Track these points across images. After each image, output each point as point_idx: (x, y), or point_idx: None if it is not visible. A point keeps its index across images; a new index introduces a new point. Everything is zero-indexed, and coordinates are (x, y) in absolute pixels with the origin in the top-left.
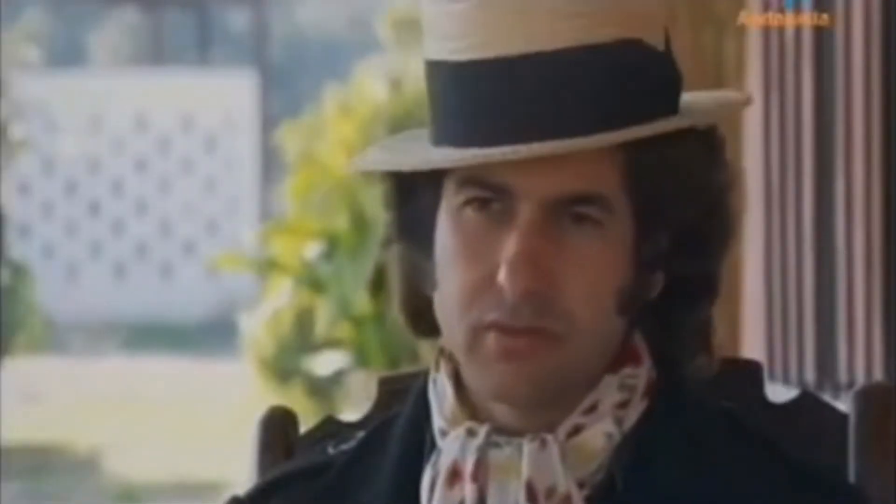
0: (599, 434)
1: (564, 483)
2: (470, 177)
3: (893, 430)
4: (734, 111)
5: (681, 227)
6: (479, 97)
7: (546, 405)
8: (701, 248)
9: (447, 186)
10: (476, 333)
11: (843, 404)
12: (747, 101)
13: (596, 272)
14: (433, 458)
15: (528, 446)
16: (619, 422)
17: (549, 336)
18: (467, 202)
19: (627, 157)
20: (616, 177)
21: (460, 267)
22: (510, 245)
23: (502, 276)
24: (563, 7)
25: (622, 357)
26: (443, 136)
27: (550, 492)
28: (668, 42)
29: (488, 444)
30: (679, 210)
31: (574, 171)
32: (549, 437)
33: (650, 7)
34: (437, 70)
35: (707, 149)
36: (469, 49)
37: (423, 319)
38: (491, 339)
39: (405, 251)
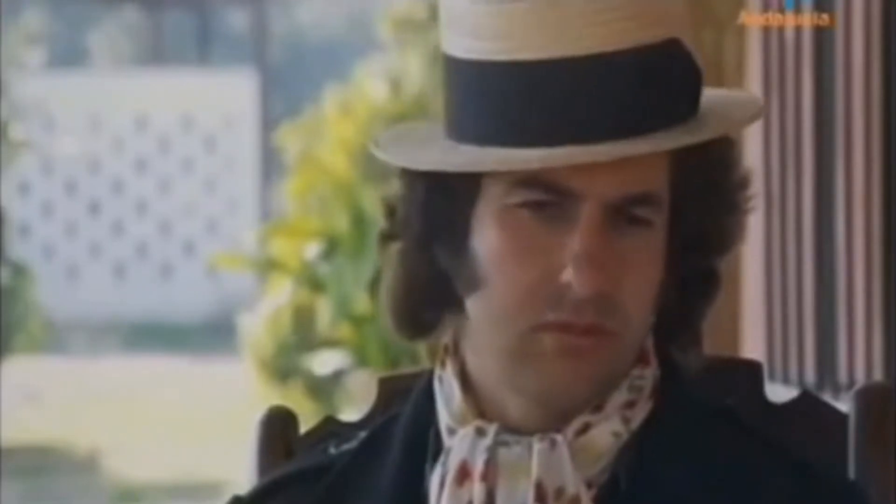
0: (607, 433)
1: (574, 484)
2: (527, 178)
3: (893, 430)
4: (759, 116)
5: (705, 225)
6: (539, 98)
7: (559, 403)
8: (715, 245)
9: (492, 187)
10: (532, 333)
11: (843, 404)
12: (761, 107)
13: (647, 271)
14: (442, 456)
15: (537, 445)
16: (626, 421)
17: (608, 334)
18: (523, 204)
19: (673, 158)
20: (665, 175)
21: (514, 268)
22: (577, 245)
23: (570, 275)
24: (615, 8)
25: (635, 357)
26: (495, 137)
27: (559, 492)
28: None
29: (497, 444)
30: (711, 207)
31: (633, 173)
32: (559, 437)
33: (682, 6)
34: (478, 69)
35: (730, 149)
36: (524, 50)
37: (420, 321)
38: (550, 339)
39: (415, 249)
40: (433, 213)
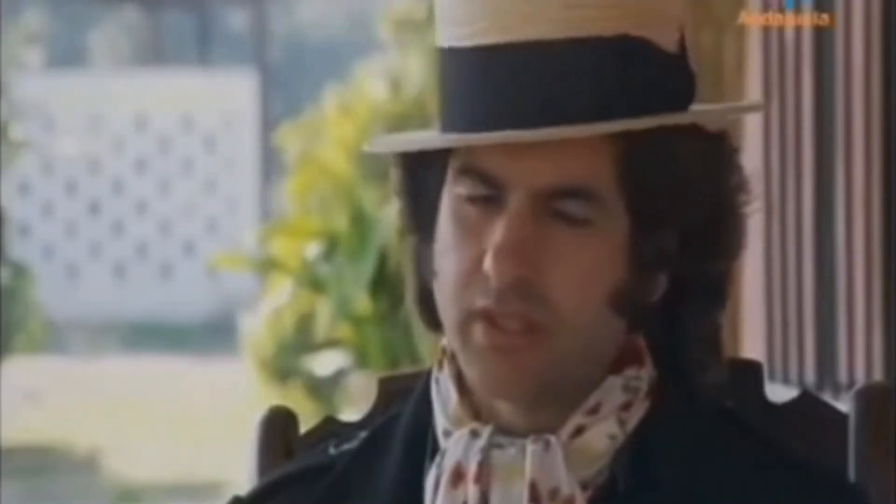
0: (602, 435)
1: (568, 485)
2: (465, 166)
3: (893, 430)
4: (737, 115)
5: (686, 229)
6: (477, 83)
7: (548, 404)
8: (708, 251)
9: (449, 176)
10: (466, 321)
11: (843, 404)
12: (756, 108)
13: (583, 266)
14: (437, 458)
15: (531, 447)
16: (622, 423)
17: (536, 329)
18: (465, 193)
19: (621, 153)
20: (609, 171)
21: (454, 254)
22: (497, 233)
23: (487, 263)
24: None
25: (625, 358)
26: (446, 123)
27: (554, 493)
28: (682, 45)
29: (491, 446)
30: (678, 210)
31: (565, 163)
32: (553, 439)
33: (664, 8)
34: (444, 56)
35: (715, 152)
36: (474, 35)
37: (434, 313)
38: (479, 330)
39: (414, 241)
40: (410, 204)
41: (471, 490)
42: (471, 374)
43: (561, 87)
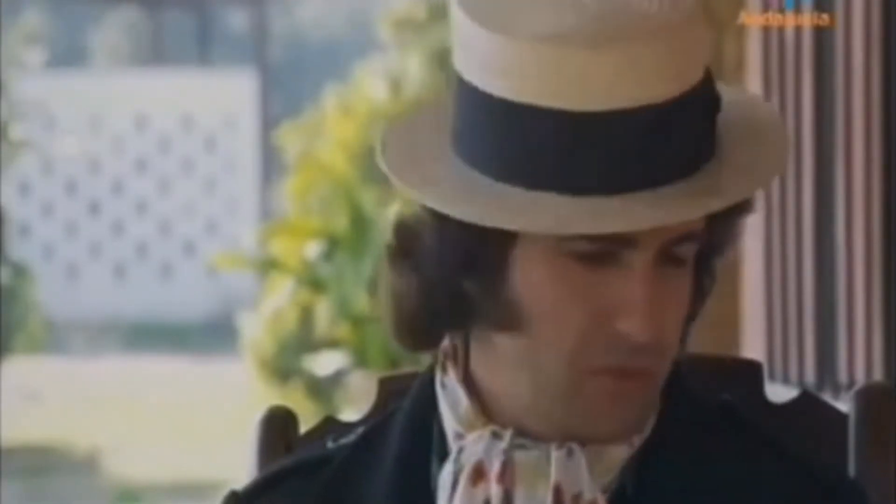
0: (623, 443)
1: (590, 490)
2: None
3: (893, 430)
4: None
5: (717, 239)
6: (591, 146)
7: None
8: (722, 250)
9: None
10: (585, 377)
11: (843, 404)
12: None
13: (684, 304)
14: (453, 455)
15: (555, 453)
16: (640, 430)
17: (652, 373)
18: (579, 251)
19: None
20: None
21: (565, 314)
22: (636, 292)
23: (631, 324)
24: (667, 55)
25: None
26: (544, 182)
27: (577, 498)
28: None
29: (513, 447)
30: (726, 224)
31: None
32: (576, 446)
33: (702, 29)
34: (519, 111)
35: None
36: (567, 98)
37: (424, 339)
38: (604, 383)
39: (435, 277)
40: (465, 250)
41: (494, 489)
42: (571, 420)
43: (688, 143)
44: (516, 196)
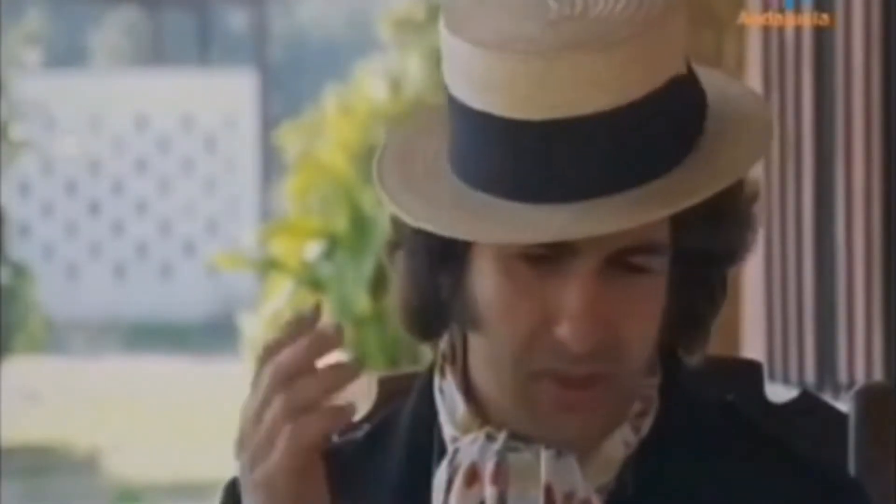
0: (618, 443)
1: (583, 489)
2: None
3: (893, 430)
4: (771, 138)
5: (711, 248)
6: (537, 153)
7: None
8: (726, 260)
9: None
10: (530, 380)
11: (843, 404)
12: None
13: (647, 313)
14: (448, 456)
15: (545, 453)
16: (636, 430)
17: (605, 378)
18: (518, 252)
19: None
20: (667, 223)
21: (512, 317)
22: (572, 299)
23: (566, 331)
24: (621, 61)
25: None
26: (490, 185)
27: (569, 497)
28: (688, 61)
29: (507, 449)
30: (715, 235)
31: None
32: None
33: (680, 39)
34: (482, 119)
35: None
36: (537, 109)
37: (431, 328)
38: (546, 388)
39: (421, 269)
40: (435, 246)
41: (488, 491)
42: (529, 424)
43: (634, 150)
44: (470, 201)
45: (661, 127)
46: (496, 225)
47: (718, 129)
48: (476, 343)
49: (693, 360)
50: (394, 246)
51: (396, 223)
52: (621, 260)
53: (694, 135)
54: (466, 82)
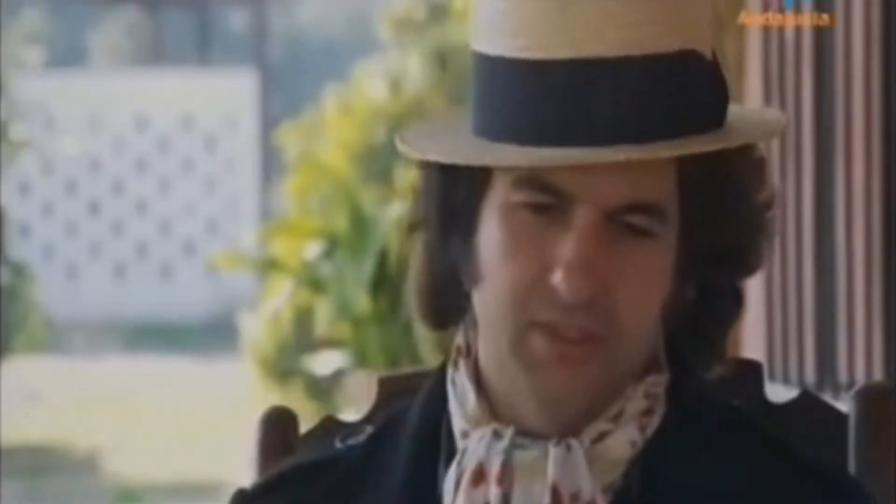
0: (624, 441)
1: (589, 488)
2: (529, 177)
3: (893, 430)
4: (777, 134)
5: (722, 242)
6: (548, 97)
7: (570, 408)
8: (738, 263)
9: (498, 182)
10: (524, 331)
11: (843, 404)
12: (782, 125)
13: (646, 280)
14: (458, 457)
15: (553, 450)
16: (642, 429)
17: (596, 339)
18: (524, 201)
19: (681, 169)
20: (671, 187)
21: (511, 265)
22: (568, 248)
23: (559, 279)
24: (630, 13)
25: (647, 365)
26: (503, 132)
27: (575, 497)
28: (715, 54)
29: (514, 447)
30: (725, 224)
31: (634, 179)
32: (575, 442)
33: (704, 18)
34: (498, 65)
35: (751, 167)
36: (540, 48)
37: (442, 311)
38: (540, 340)
39: (434, 241)
40: (446, 205)
41: (493, 491)
42: (524, 379)
43: (634, 104)
44: (488, 146)
45: (665, 90)
46: (506, 154)
47: (731, 123)
48: (477, 309)
49: (706, 371)
50: (412, 227)
51: (414, 201)
52: (622, 220)
53: (700, 118)
54: (491, 31)
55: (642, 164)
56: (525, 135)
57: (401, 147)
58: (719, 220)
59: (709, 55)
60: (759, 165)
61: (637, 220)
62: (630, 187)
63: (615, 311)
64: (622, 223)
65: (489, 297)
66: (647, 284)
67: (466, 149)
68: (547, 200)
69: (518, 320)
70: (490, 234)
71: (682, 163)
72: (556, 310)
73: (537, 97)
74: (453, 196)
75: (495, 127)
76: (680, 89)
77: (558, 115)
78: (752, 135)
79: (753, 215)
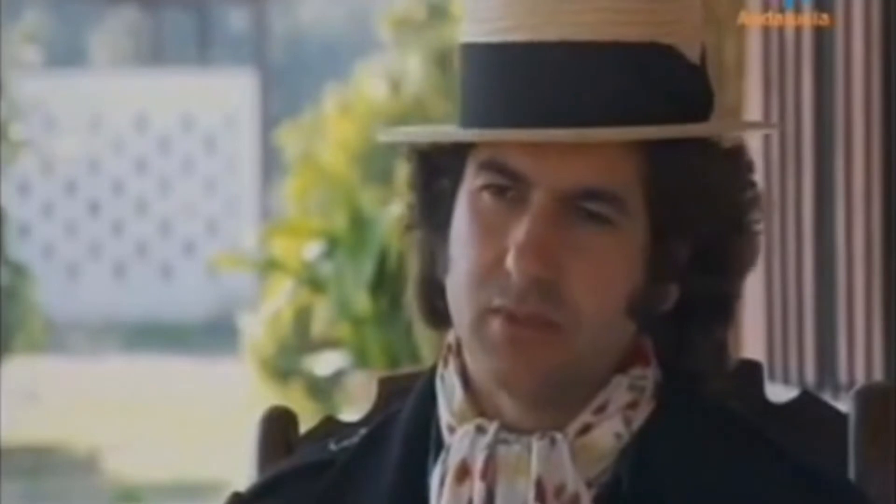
0: (608, 434)
1: (574, 482)
2: (489, 161)
3: (893, 430)
4: (754, 133)
5: (700, 241)
6: (503, 79)
7: (554, 401)
8: (720, 266)
9: (468, 170)
10: (482, 316)
11: (843, 404)
12: (772, 128)
13: (604, 268)
14: (442, 455)
15: (537, 444)
16: (627, 422)
17: (554, 327)
18: (484, 187)
19: (645, 158)
20: (633, 176)
21: (472, 249)
22: (520, 231)
23: (510, 261)
24: (601, 2)
25: (631, 357)
26: (468, 117)
27: (559, 490)
28: (703, 58)
29: (497, 442)
30: (696, 221)
31: (589, 165)
32: (559, 436)
33: (689, 19)
34: (469, 52)
35: (732, 166)
36: (500, 32)
37: (435, 308)
38: (496, 325)
39: (423, 235)
40: (427, 196)
41: (476, 486)
42: (483, 367)
43: (589, 89)
44: (446, 132)
45: (624, 78)
46: (456, 133)
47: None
48: (449, 297)
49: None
50: (407, 226)
51: (405, 207)
52: (580, 206)
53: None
54: (467, 20)
55: (599, 150)
56: (484, 117)
57: (382, 137)
58: (690, 216)
59: (690, 53)
60: (743, 166)
61: (594, 206)
62: (585, 173)
63: (569, 298)
64: (580, 210)
65: (454, 283)
66: (603, 272)
67: (432, 135)
68: (505, 182)
69: (478, 305)
70: (458, 220)
71: (647, 154)
72: (510, 294)
73: (495, 80)
74: (433, 187)
75: (465, 112)
76: (644, 80)
77: (511, 97)
78: (712, 130)
79: (733, 216)
